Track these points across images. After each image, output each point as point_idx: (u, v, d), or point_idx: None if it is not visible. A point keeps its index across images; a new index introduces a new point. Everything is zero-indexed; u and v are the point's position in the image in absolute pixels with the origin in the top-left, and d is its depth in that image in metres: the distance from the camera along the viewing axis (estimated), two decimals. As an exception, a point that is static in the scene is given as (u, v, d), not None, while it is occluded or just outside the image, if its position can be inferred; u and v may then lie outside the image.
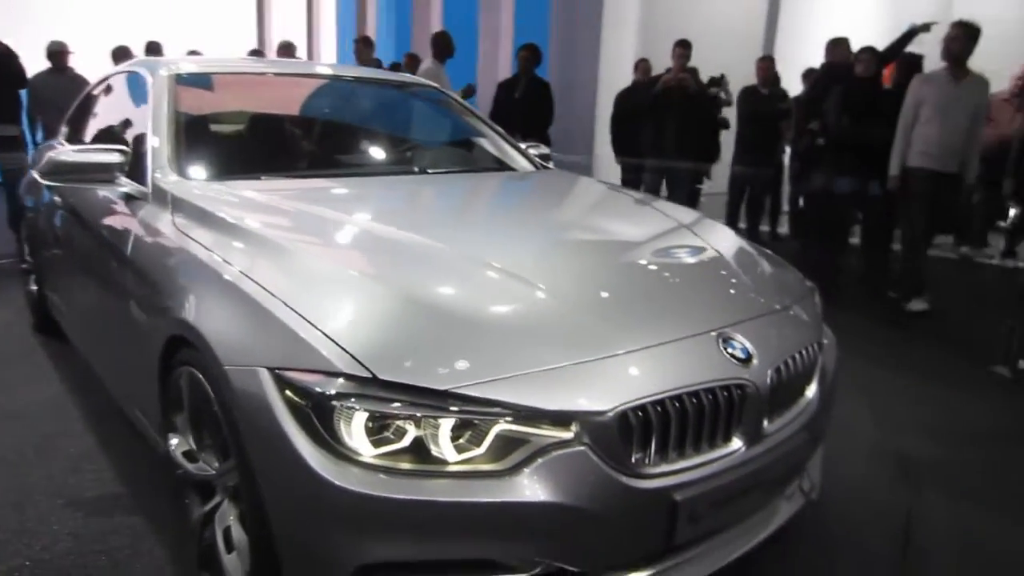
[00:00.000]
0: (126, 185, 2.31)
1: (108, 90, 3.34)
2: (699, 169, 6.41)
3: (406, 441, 1.35)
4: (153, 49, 6.68)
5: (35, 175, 3.34)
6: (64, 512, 2.21)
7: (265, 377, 1.42)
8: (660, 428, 1.46)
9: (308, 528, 1.38)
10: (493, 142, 3.17)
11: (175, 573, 1.94)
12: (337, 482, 1.31)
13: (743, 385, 1.56)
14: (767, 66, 6.47)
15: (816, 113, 5.47)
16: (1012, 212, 6.53)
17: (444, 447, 1.35)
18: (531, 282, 1.65)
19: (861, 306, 5.03)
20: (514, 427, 1.37)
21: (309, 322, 1.45)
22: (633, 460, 1.44)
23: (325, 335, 1.41)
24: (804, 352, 1.79)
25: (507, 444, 1.37)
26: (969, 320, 4.87)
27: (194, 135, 2.48)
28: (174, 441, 1.89)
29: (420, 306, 1.53)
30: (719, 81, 6.32)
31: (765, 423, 1.64)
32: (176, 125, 2.43)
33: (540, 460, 1.36)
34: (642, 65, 6.87)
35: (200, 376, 1.63)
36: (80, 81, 6.39)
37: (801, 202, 6.96)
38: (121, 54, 6.40)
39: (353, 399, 1.34)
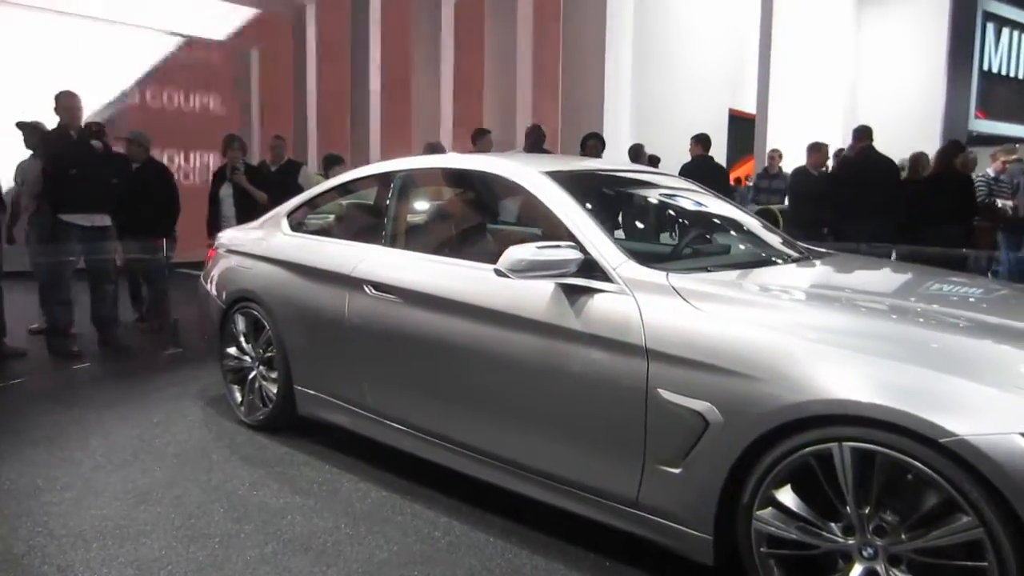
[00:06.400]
0: (574, 279, 2.44)
1: (397, 187, 3.40)
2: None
3: None
4: (434, 147, 6.57)
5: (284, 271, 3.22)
6: None
7: (1019, 440, 1.66)
8: None
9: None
10: (763, 229, 3.48)
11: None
12: None
13: None
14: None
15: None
16: None
17: None
18: None
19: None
20: None
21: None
22: None
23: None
24: None
25: None
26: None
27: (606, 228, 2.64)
28: (774, 521, 2.00)
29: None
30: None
31: None
32: (592, 221, 2.60)
33: None
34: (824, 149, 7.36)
35: (885, 450, 1.81)
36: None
37: None
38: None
39: None
